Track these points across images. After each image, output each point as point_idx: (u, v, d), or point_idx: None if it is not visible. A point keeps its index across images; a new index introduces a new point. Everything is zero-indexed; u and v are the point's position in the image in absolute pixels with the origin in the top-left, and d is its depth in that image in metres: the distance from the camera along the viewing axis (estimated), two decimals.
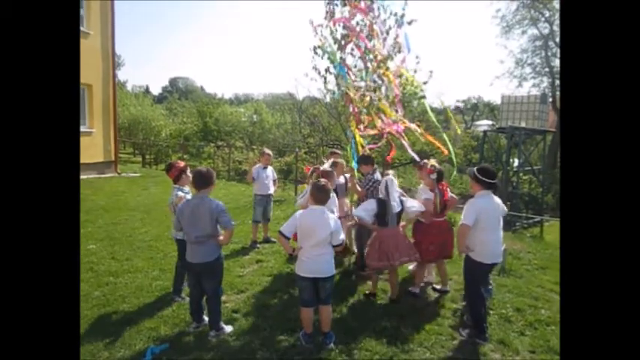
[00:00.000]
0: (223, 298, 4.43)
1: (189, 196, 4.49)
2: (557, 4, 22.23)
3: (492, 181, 4.02)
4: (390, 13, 5.44)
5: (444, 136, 5.66)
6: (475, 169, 4.14)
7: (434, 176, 4.92)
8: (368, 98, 5.39)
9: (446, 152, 5.54)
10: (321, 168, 5.46)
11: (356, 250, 5.99)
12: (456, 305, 4.82)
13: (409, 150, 5.63)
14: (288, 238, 3.84)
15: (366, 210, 4.76)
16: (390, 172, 5.13)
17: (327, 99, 15.52)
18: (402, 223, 5.00)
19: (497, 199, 4.17)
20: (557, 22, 22.72)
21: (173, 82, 75.43)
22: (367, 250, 4.82)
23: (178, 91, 60.89)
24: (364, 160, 5.37)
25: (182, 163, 4.72)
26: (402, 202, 4.83)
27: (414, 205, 4.92)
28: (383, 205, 4.71)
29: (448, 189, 5.15)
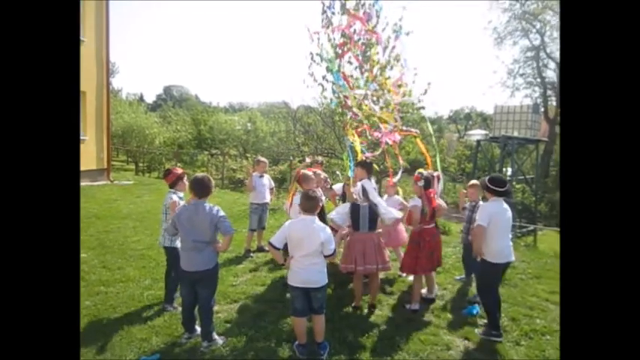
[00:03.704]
0: (216, 308, 4.37)
1: (183, 202, 4.47)
2: (547, 17, 22.62)
3: (502, 189, 4.27)
4: (387, 24, 5.48)
5: (434, 143, 5.75)
6: (487, 179, 4.41)
7: (421, 183, 4.85)
8: (367, 107, 5.40)
9: (429, 163, 5.61)
10: (302, 171, 5.48)
11: None
12: (451, 316, 4.79)
13: (400, 161, 5.66)
14: (279, 249, 3.80)
15: (339, 213, 4.79)
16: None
17: (323, 107, 15.54)
18: (379, 230, 4.87)
19: (507, 206, 4.36)
20: (548, 33, 23.11)
21: (167, 90, 75.26)
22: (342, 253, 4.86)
23: (173, 99, 60.81)
24: (362, 164, 5.36)
25: (180, 170, 4.73)
26: (374, 208, 4.73)
27: (388, 211, 4.89)
28: (356, 209, 4.71)
29: (436, 196, 5.07)
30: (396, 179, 6.13)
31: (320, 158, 7.19)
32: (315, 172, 5.68)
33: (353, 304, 4.89)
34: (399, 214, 4.99)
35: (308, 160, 6.65)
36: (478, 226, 4.19)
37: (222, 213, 3.85)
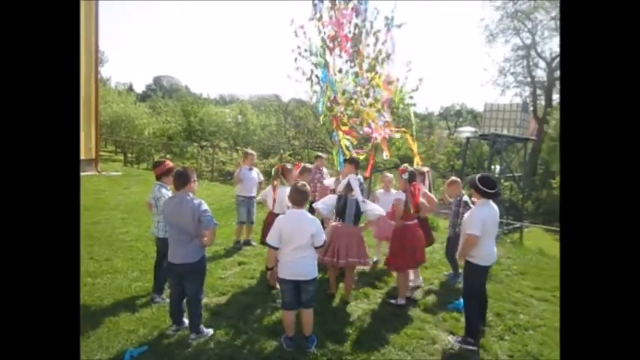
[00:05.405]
0: (204, 300, 4.38)
1: (169, 193, 4.45)
2: (539, 16, 22.78)
3: (492, 191, 4.03)
4: (377, 14, 5.42)
5: (409, 139, 5.83)
6: (476, 177, 4.13)
7: (405, 176, 4.84)
8: (356, 103, 5.40)
9: (419, 159, 5.67)
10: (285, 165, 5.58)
11: None
12: (439, 312, 4.86)
13: (384, 157, 5.72)
14: (277, 248, 3.76)
15: (325, 204, 4.83)
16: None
17: (313, 101, 15.55)
18: (361, 225, 4.97)
19: (494, 207, 4.15)
20: (539, 32, 23.31)
21: (157, 80, 74.21)
22: None
23: (162, 90, 60.07)
24: (350, 161, 5.39)
25: (171, 164, 4.69)
26: (360, 204, 4.78)
27: (373, 208, 4.94)
28: (342, 201, 4.76)
29: (425, 191, 5.16)
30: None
31: (322, 154, 7.31)
32: (305, 166, 5.71)
33: (329, 292, 5.06)
34: (382, 212, 4.96)
35: (317, 162, 6.79)
36: (471, 236, 3.95)
37: (204, 207, 3.77)
